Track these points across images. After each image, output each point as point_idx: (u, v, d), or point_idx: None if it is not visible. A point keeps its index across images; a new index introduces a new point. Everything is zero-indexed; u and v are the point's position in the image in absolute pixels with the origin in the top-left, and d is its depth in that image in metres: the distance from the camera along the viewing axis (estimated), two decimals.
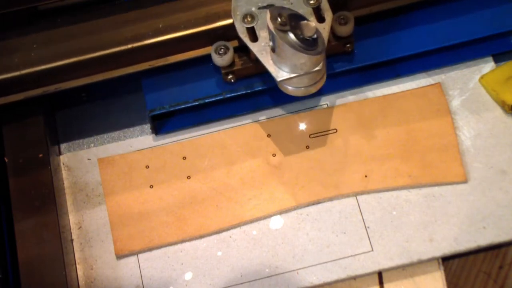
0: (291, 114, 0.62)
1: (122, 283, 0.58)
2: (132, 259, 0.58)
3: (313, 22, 0.52)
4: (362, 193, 0.59)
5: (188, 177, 0.60)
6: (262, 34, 0.54)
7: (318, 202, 0.59)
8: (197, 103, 0.60)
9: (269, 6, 0.54)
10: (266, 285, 0.57)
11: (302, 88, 0.55)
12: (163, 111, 0.60)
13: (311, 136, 0.61)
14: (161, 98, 0.61)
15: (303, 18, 0.52)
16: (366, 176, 0.59)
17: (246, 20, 0.55)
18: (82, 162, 0.62)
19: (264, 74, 0.58)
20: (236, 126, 0.62)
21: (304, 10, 0.54)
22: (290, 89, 0.55)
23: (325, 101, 0.62)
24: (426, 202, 0.58)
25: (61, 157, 0.62)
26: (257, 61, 0.55)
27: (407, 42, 0.61)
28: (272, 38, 0.52)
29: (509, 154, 0.59)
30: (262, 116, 0.62)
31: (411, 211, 0.58)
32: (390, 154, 0.59)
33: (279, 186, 0.59)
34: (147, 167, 0.61)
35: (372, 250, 0.57)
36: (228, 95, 0.60)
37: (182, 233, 0.58)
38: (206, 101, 0.60)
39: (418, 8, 0.62)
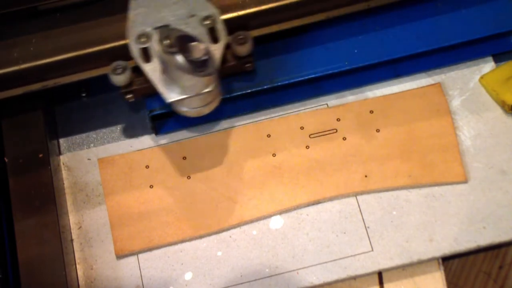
0: (291, 114, 0.62)
1: (122, 283, 0.58)
2: (132, 259, 0.58)
3: (202, 44, 0.51)
4: (362, 193, 0.59)
5: (188, 177, 0.60)
6: (155, 55, 0.53)
7: (318, 202, 0.59)
8: None
9: (164, 27, 0.54)
10: (266, 285, 0.57)
11: (194, 109, 0.55)
12: (163, 111, 0.60)
13: (311, 136, 0.61)
14: (161, 98, 0.60)
15: (193, 40, 0.51)
16: (366, 176, 0.59)
17: (140, 40, 0.53)
18: (82, 162, 0.62)
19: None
20: (236, 126, 0.62)
21: (200, 30, 0.54)
22: (183, 109, 0.55)
23: (325, 101, 0.62)
24: (426, 202, 0.58)
25: (61, 157, 0.62)
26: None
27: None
28: (160, 59, 0.51)
29: (509, 154, 0.59)
30: (262, 116, 0.62)
31: (411, 211, 0.58)
32: (390, 154, 0.59)
33: (279, 186, 0.59)
34: (147, 167, 0.61)
35: (372, 250, 0.57)
36: (228, 95, 0.60)
37: (182, 233, 0.58)
38: None
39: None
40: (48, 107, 0.63)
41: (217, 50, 0.54)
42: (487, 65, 0.62)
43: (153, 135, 0.62)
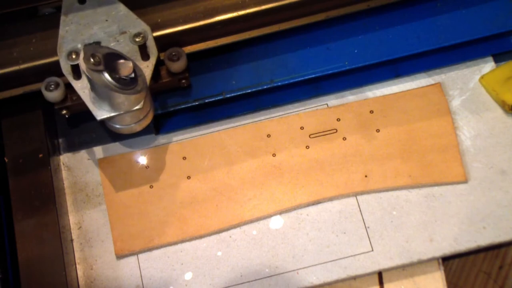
0: (291, 114, 0.62)
1: (122, 283, 0.58)
2: (132, 259, 0.58)
3: (130, 61, 0.50)
4: (362, 193, 0.59)
5: (188, 177, 0.60)
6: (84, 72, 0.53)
7: (318, 202, 0.59)
8: (197, 103, 0.60)
9: (95, 43, 0.54)
10: (266, 285, 0.57)
11: (126, 126, 0.55)
12: (163, 111, 0.60)
13: (311, 136, 0.61)
14: (162, 98, 0.61)
15: (121, 57, 0.50)
16: (366, 176, 0.59)
17: (70, 57, 0.53)
18: (82, 162, 0.62)
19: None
20: (236, 126, 0.62)
21: (130, 48, 0.54)
22: (115, 127, 0.55)
23: (325, 101, 0.62)
24: (426, 202, 0.58)
25: (61, 157, 0.62)
26: None
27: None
28: (87, 77, 0.50)
29: (509, 154, 0.59)
30: (262, 116, 0.62)
31: (411, 211, 0.58)
32: (390, 154, 0.59)
33: (279, 186, 0.59)
34: (147, 167, 0.61)
35: (372, 250, 0.57)
36: (228, 95, 0.60)
37: (182, 233, 0.58)
38: (206, 101, 0.60)
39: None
40: (48, 107, 0.63)
41: (147, 68, 0.53)
42: (487, 65, 0.62)
43: (153, 135, 0.62)
